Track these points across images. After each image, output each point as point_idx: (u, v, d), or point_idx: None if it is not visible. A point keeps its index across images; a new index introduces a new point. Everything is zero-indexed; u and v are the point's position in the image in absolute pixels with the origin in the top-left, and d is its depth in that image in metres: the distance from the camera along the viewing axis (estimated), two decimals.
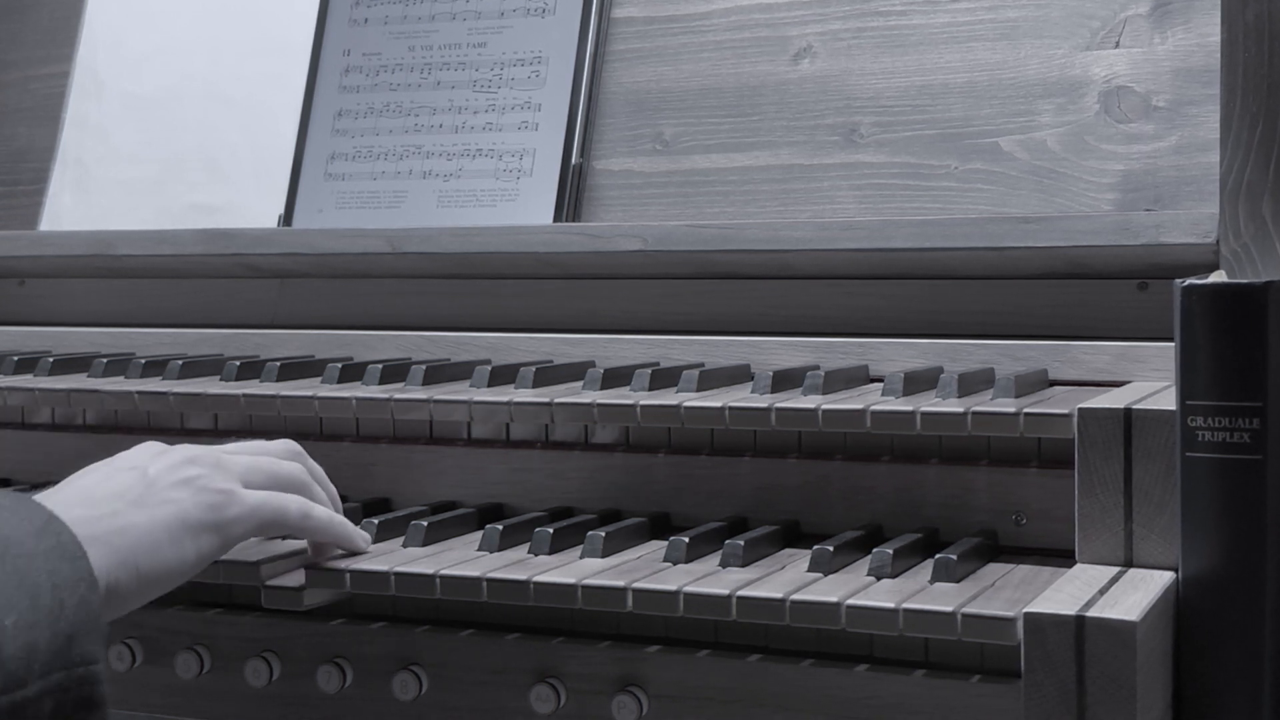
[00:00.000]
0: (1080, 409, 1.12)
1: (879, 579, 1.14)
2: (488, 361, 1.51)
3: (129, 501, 1.10)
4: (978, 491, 1.28)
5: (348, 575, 1.20)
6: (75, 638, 0.96)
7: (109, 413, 1.59)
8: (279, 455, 1.23)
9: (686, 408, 1.27)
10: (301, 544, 1.26)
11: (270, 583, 1.22)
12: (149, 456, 1.15)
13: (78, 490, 1.11)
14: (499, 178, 1.68)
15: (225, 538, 1.14)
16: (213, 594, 1.35)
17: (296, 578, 1.22)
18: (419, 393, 1.37)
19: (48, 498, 1.08)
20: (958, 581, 1.13)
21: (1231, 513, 1.06)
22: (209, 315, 1.77)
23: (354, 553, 1.24)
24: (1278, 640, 1.06)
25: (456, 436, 1.47)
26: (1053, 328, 1.41)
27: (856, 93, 1.56)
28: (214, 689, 1.32)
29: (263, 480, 1.19)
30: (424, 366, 1.42)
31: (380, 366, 1.44)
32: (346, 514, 1.36)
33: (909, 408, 1.21)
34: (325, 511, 1.22)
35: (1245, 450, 1.06)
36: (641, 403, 1.28)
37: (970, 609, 1.05)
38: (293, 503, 1.19)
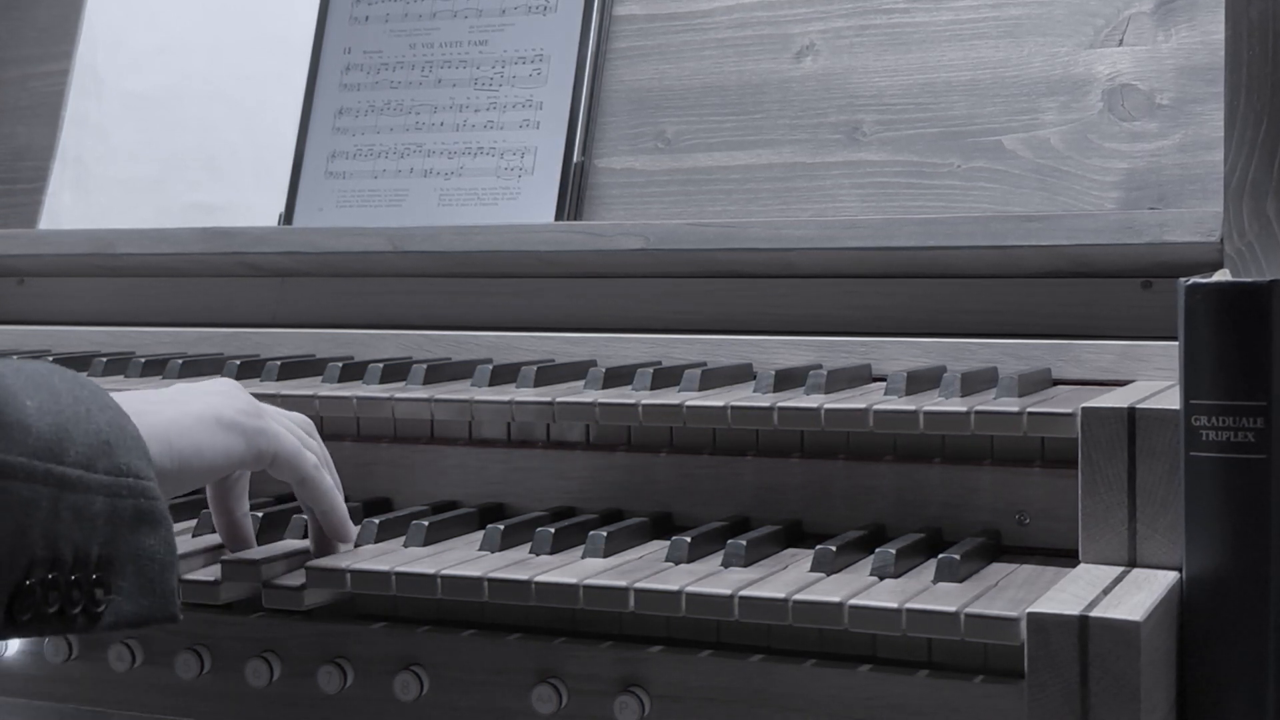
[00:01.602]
0: (1084, 408, 1.12)
1: (882, 579, 1.14)
2: (489, 361, 1.51)
3: (159, 400, 1.14)
4: (981, 491, 1.28)
5: (348, 575, 1.19)
6: (114, 446, 0.98)
7: None
8: (300, 425, 1.27)
9: (688, 407, 1.26)
10: (302, 544, 1.26)
11: (272, 582, 1.21)
12: (181, 384, 1.22)
13: (128, 397, 1.12)
14: (500, 176, 1.68)
15: (249, 444, 1.17)
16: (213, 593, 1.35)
17: (297, 577, 1.22)
18: (420, 392, 1.37)
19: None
20: (961, 581, 1.13)
21: (1235, 512, 1.06)
22: (209, 314, 1.76)
23: (341, 541, 1.25)
24: None
25: (458, 436, 1.46)
26: (1056, 327, 1.41)
27: (859, 91, 1.56)
28: (214, 689, 1.31)
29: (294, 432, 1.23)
30: (425, 366, 1.42)
31: (381, 366, 1.44)
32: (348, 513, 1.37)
33: (912, 407, 1.20)
34: (332, 486, 1.24)
35: (1249, 450, 1.06)
36: (643, 402, 1.28)
37: (973, 609, 1.05)
38: (310, 455, 1.22)
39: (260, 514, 1.29)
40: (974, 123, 1.51)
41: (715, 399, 1.27)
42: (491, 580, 1.16)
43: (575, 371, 1.44)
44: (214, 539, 1.28)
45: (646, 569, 1.17)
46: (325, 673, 1.27)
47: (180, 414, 1.13)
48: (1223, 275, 1.12)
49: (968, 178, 1.50)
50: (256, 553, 1.24)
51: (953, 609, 1.04)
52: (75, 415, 0.97)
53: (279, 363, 1.49)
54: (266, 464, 1.19)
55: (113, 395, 1.08)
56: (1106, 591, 1.04)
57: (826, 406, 1.22)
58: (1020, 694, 1.03)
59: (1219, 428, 1.06)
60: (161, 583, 1.00)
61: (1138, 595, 1.03)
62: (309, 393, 1.40)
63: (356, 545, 1.28)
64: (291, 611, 1.31)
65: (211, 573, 1.23)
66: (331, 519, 1.24)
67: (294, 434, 1.23)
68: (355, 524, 1.34)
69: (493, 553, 1.24)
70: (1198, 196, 1.40)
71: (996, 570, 1.19)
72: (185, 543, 1.28)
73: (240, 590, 1.23)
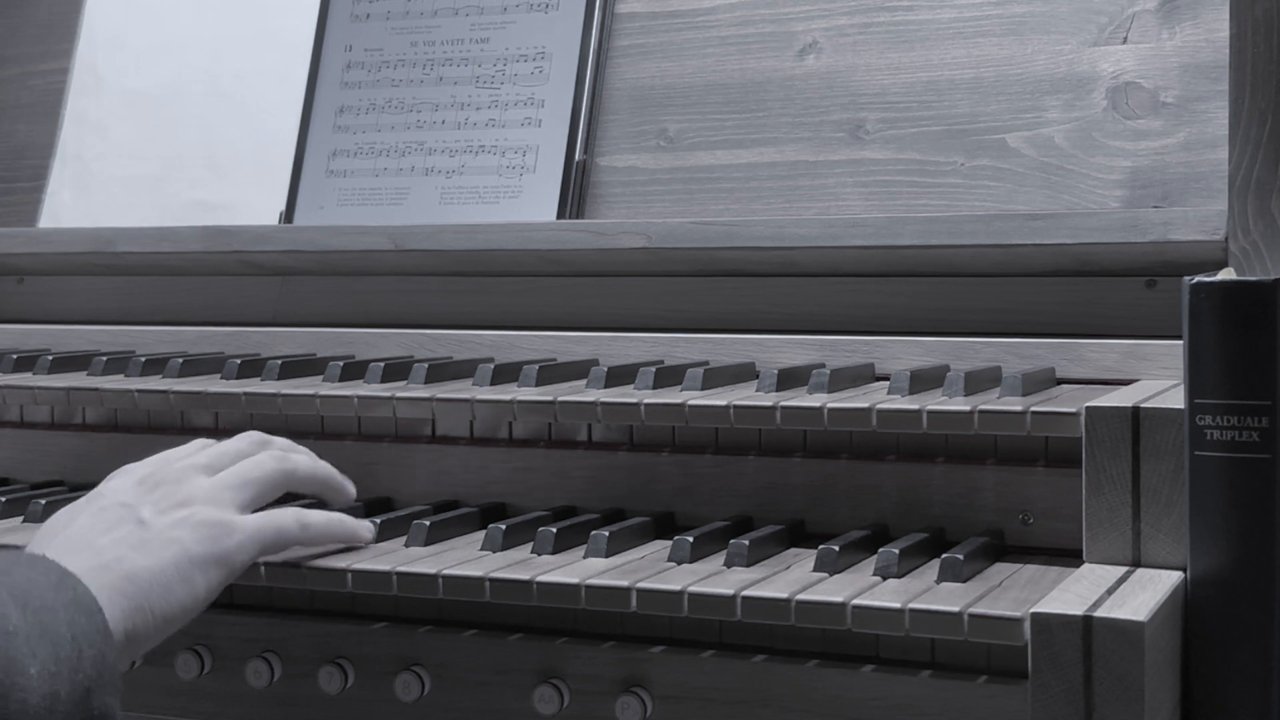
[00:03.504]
0: (1088, 407, 1.12)
1: (885, 579, 1.13)
2: (490, 360, 1.51)
3: (131, 546, 1.11)
4: (984, 491, 1.28)
5: (349, 575, 1.19)
6: (93, 690, 0.98)
7: (108, 411, 1.59)
8: (247, 453, 1.25)
9: (691, 406, 1.26)
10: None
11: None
12: (134, 495, 1.17)
13: (73, 539, 1.12)
14: (502, 174, 1.67)
15: (230, 567, 1.15)
16: None
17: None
18: (421, 391, 1.37)
19: (43, 549, 1.10)
20: (964, 581, 1.13)
21: (1240, 512, 1.06)
22: (210, 313, 1.76)
23: (357, 545, 1.25)
24: None
25: (459, 435, 1.46)
26: (1060, 325, 1.41)
27: (862, 89, 1.56)
28: (214, 690, 1.31)
29: (250, 495, 1.20)
30: (426, 365, 1.42)
31: (382, 365, 1.43)
32: (348, 512, 1.36)
33: (915, 406, 1.20)
34: (322, 515, 1.23)
35: (1254, 449, 1.06)
36: (646, 401, 1.27)
37: (977, 609, 1.04)
38: (288, 517, 1.20)
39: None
40: (977, 121, 1.50)
41: (718, 398, 1.27)
42: (493, 580, 1.16)
43: (577, 370, 1.43)
44: None
45: (649, 569, 1.17)
46: (326, 673, 1.26)
47: (159, 569, 1.10)
48: (1227, 274, 1.12)
49: (971, 176, 1.49)
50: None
51: (956, 609, 1.04)
52: (69, 668, 0.97)
53: (280, 362, 1.48)
54: (255, 560, 1.19)
55: (80, 533, 1.10)
56: (1111, 591, 1.04)
57: (830, 406, 1.22)
58: (1024, 694, 1.02)
59: (1224, 427, 1.06)
60: None
61: (1142, 595, 1.03)
62: (310, 392, 1.39)
63: None
64: (292, 611, 1.31)
65: None
66: (344, 540, 1.25)
67: (250, 479, 1.20)
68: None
69: (494, 552, 1.24)
70: (1202, 195, 1.40)
71: (1000, 570, 1.18)
72: None
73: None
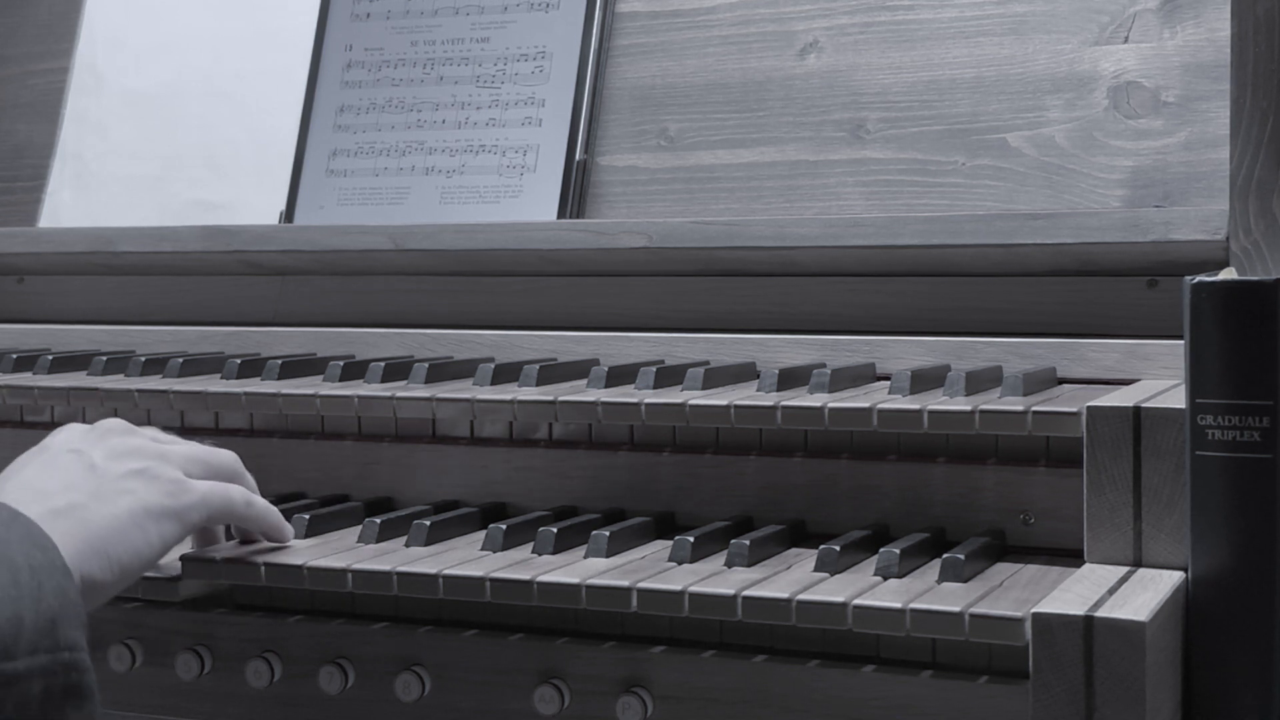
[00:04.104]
0: (1089, 407, 1.12)
1: (886, 579, 1.13)
2: (491, 359, 1.50)
3: (86, 494, 1.11)
4: (985, 490, 1.28)
5: (349, 575, 1.19)
6: (58, 622, 0.96)
7: (108, 411, 1.58)
8: (207, 459, 1.25)
9: (692, 406, 1.26)
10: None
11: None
12: (87, 442, 1.17)
13: (24, 485, 1.11)
14: (502, 174, 1.67)
15: (183, 525, 1.16)
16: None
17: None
18: (421, 391, 1.36)
19: None
20: (965, 581, 1.12)
21: (1242, 512, 1.06)
22: (210, 313, 1.76)
23: (281, 544, 1.26)
24: None
25: (459, 435, 1.46)
26: (1061, 325, 1.40)
27: (863, 88, 1.56)
28: (214, 690, 1.31)
29: (201, 470, 1.21)
30: (426, 364, 1.42)
31: (382, 364, 1.43)
32: (349, 512, 1.37)
33: (916, 406, 1.20)
34: (263, 500, 1.25)
35: (1256, 449, 1.06)
36: (646, 401, 1.27)
37: (978, 609, 1.04)
38: (236, 491, 1.21)
39: None
40: (978, 120, 1.50)
41: (718, 398, 1.26)
42: (494, 580, 1.16)
43: (578, 370, 1.43)
44: None
45: (649, 569, 1.17)
46: (326, 673, 1.26)
47: (113, 517, 1.10)
48: (1229, 274, 1.12)
49: (972, 175, 1.49)
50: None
51: (957, 609, 1.04)
52: (31, 596, 0.95)
53: (280, 361, 1.48)
54: (201, 525, 1.19)
55: (33, 478, 1.09)
56: (1112, 591, 1.03)
57: (830, 405, 1.22)
58: (1025, 695, 1.02)
59: (1225, 427, 1.06)
60: None
61: (1143, 595, 1.02)
62: (310, 392, 1.39)
63: (360, 543, 1.27)
64: (292, 611, 1.31)
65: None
66: (273, 534, 1.26)
67: (206, 462, 1.21)
68: (356, 524, 1.34)
69: (495, 552, 1.24)
70: (1203, 194, 1.40)
71: (1001, 570, 1.18)
72: None
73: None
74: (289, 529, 1.28)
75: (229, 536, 1.29)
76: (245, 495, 1.22)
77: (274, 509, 1.26)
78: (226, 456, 1.25)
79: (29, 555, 0.97)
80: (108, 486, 1.12)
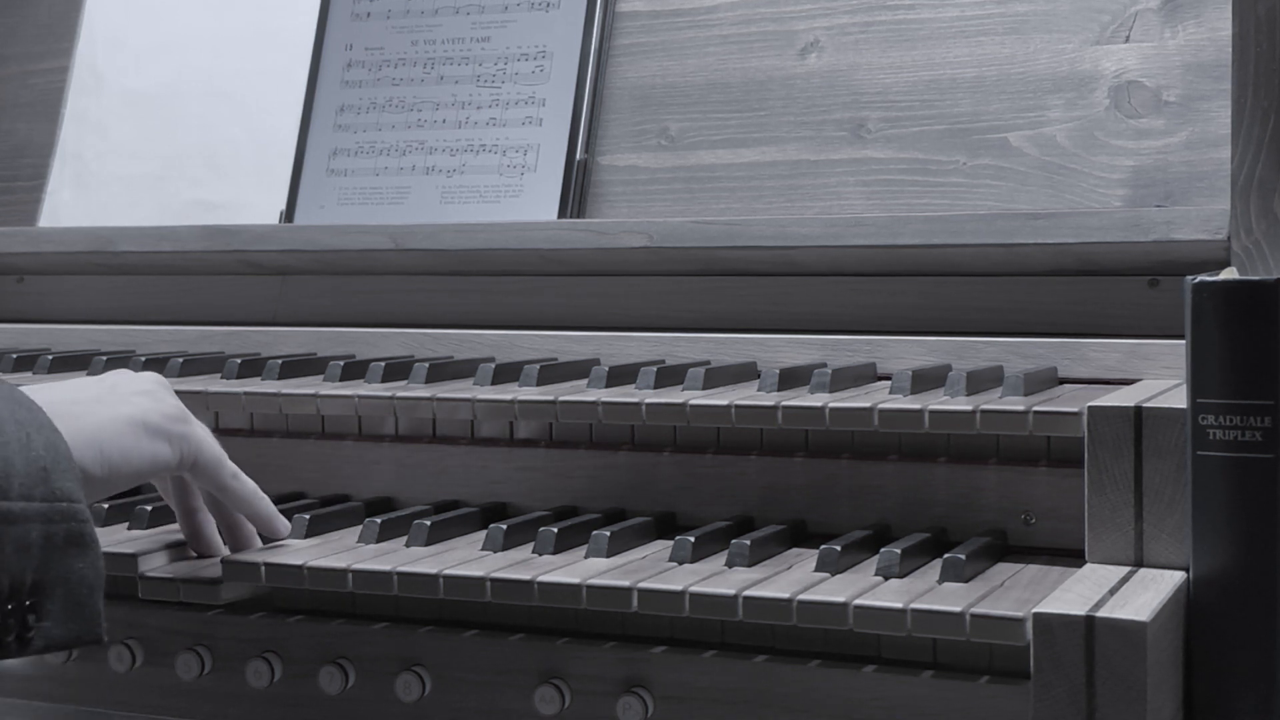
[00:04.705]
0: (1090, 407, 1.11)
1: (887, 579, 1.13)
2: (491, 359, 1.50)
3: (91, 398, 1.14)
4: (986, 490, 1.28)
5: (349, 575, 1.19)
6: (51, 471, 0.98)
7: None
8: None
9: (692, 406, 1.26)
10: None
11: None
12: (119, 374, 1.21)
13: (44, 389, 1.13)
14: (503, 173, 1.67)
15: (173, 450, 1.18)
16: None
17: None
18: (422, 391, 1.36)
19: None
20: (966, 581, 1.12)
21: (1243, 512, 1.06)
22: (210, 312, 1.76)
23: (277, 536, 1.27)
24: None
25: (460, 435, 1.46)
26: (1062, 325, 1.40)
27: (864, 88, 1.55)
28: (215, 690, 1.31)
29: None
30: (427, 364, 1.41)
31: (383, 364, 1.43)
32: (349, 512, 1.37)
33: (917, 406, 1.20)
34: (252, 483, 1.25)
35: (1257, 449, 1.05)
36: (647, 401, 1.27)
37: (979, 609, 1.04)
38: (228, 460, 1.23)
39: None
40: (979, 120, 1.50)
41: (719, 398, 1.26)
42: (494, 580, 1.16)
43: (578, 370, 1.43)
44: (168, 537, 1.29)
45: (650, 569, 1.17)
46: (327, 673, 1.26)
47: (110, 418, 1.13)
48: (1230, 273, 1.12)
49: (973, 175, 1.49)
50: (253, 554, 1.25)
51: (958, 609, 1.04)
52: (18, 443, 0.98)
53: (280, 361, 1.48)
54: (188, 469, 1.20)
55: (45, 388, 1.11)
56: (1113, 591, 1.03)
57: (831, 405, 1.22)
58: (1026, 695, 1.02)
59: (1226, 426, 1.06)
60: (89, 605, 1.01)
61: (1144, 595, 1.02)
62: (310, 392, 1.39)
63: (360, 543, 1.27)
64: (292, 611, 1.31)
65: (215, 571, 1.23)
66: (261, 520, 1.26)
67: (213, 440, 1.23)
68: (357, 524, 1.34)
69: (495, 552, 1.24)
70: (1204, 194, 1.40)
71: (1002, 570, 1.18)
72: (145, 541, 1.29)
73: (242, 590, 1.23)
74: (284, 522, 1.27)
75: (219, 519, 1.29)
76: (234, 468, 1.23)
77: (264, 496, 1.26)
78: (215, 446, 1.25)
79: (14, 412, 0.99)
80: (113, 396, 1.16)
